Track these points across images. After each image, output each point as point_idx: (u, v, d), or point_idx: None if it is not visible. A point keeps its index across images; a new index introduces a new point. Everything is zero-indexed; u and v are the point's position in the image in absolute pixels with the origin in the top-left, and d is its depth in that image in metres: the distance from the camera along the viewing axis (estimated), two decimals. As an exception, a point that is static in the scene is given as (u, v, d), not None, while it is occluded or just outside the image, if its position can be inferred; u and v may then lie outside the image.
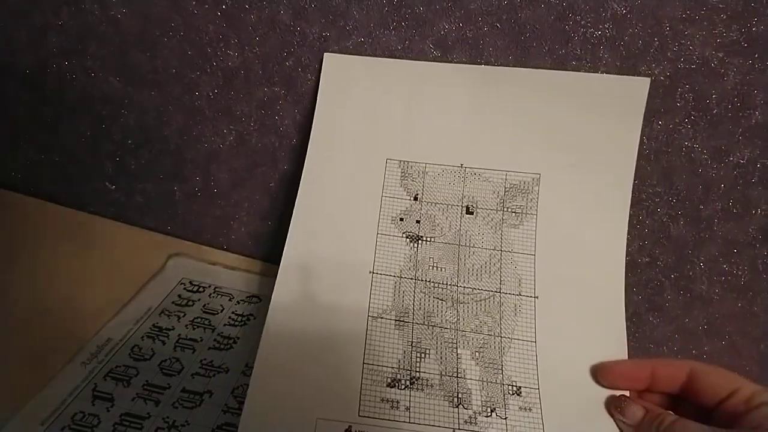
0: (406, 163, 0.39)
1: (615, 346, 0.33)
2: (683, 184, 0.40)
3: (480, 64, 0.39)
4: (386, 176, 0.38)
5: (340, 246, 0.36)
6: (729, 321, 0.43)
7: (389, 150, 0.39)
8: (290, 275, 0.36)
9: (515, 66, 0.39)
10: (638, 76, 0.37)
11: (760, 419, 0.27)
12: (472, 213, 0.37)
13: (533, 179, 0.38)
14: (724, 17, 0.35)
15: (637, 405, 0.31)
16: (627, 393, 0.32)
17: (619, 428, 0.31)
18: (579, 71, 0.38)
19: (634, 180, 0.40)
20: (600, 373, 0.32)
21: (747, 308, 0.43)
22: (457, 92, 0.38)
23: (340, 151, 0.39)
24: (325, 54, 0.40)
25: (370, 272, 0.36)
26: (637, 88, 0.36)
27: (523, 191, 0.37)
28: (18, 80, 0.45)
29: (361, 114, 0.39)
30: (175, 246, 0.48)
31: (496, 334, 0.34)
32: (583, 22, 0.37)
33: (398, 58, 0.40)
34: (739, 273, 0.42)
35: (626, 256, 0.43)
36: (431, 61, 0.39)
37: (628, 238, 0.42)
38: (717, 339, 0.44)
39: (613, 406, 0.31)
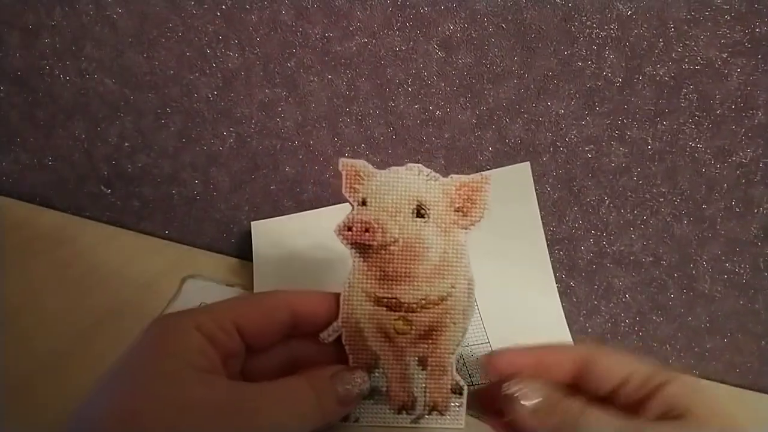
0: None
1: None
2: (687, 184, 0.40)
3: (485, 65, 0.39)
4: None
5: None
6: (731, 318, 0.44)
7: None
8: None
9: (520, 66, 0.39)
10: (520, 162, 0.41)
11: (662, 404, 0.22)
12: None
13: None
14: (728, 18, 0.35)
15: (536, 383, 0.24)
16: None
17: (515, 416, 0.24)
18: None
19: (639, 180, 0.41)
20: (489, 366, 0.26)
21: (748, 306, 0.43)
22: None
23: None
24: (252, 223, 0.44)
25: None
26: (522, 172, 0.41)
27: None
28: (9, 82, 0.44)
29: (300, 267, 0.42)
30: (173, 253, 0.47)
31: None
32: (588, 23, 0.37)
33: (402, 59, 0.39)
34: (741, 271, 0.42)
35: (630, 256, 0.43)
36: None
37: (632, 237, 0.42)
38: (719, 336, 0.44)
39: (506, 386, 0.24)
